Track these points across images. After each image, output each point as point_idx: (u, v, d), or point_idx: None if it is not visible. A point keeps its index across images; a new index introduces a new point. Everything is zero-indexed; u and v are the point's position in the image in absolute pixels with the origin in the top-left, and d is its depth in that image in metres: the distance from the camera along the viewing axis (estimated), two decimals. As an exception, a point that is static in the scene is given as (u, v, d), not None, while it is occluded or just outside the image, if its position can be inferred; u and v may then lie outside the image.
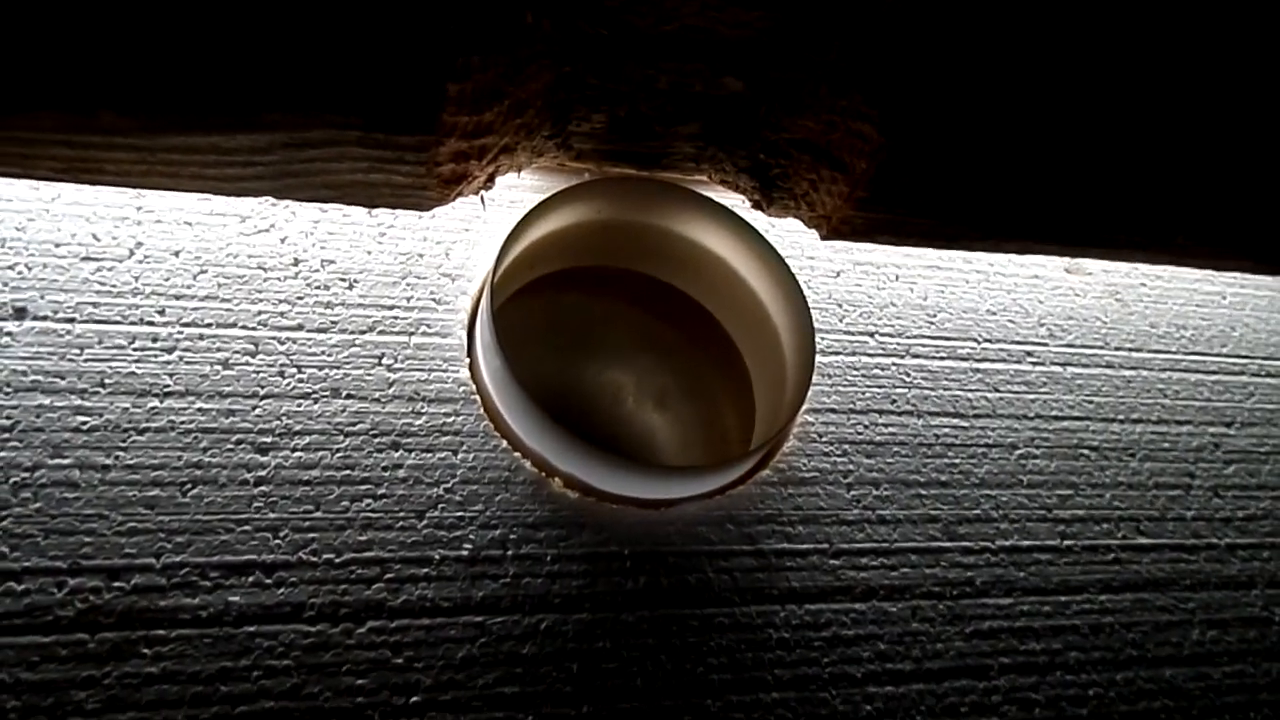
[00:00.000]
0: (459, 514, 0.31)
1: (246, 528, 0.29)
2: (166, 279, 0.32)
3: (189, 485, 0.29)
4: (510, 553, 0.31)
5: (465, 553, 0.31)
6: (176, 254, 0.32)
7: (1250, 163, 0.37)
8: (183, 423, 0.30)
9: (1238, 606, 0.38)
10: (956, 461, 0.38)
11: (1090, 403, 0.41)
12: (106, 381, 0.30)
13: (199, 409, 0.30)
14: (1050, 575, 0.36)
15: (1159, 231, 0.39)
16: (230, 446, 0.30)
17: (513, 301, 0.39)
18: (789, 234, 0.40)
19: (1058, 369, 0.42)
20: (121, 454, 0.29)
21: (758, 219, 0.37)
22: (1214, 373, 0.44)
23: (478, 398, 0.33)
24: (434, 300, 0.35)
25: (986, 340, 0.41)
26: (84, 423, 0.29)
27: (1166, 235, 0.40)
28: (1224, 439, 0.42)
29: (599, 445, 0.31)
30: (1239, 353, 0.45)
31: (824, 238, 0.36)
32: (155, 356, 0.30)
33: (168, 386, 0.30)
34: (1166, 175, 0.36)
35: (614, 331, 0.41)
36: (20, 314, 0.30)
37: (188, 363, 0.31)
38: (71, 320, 0.30)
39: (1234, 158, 0.36)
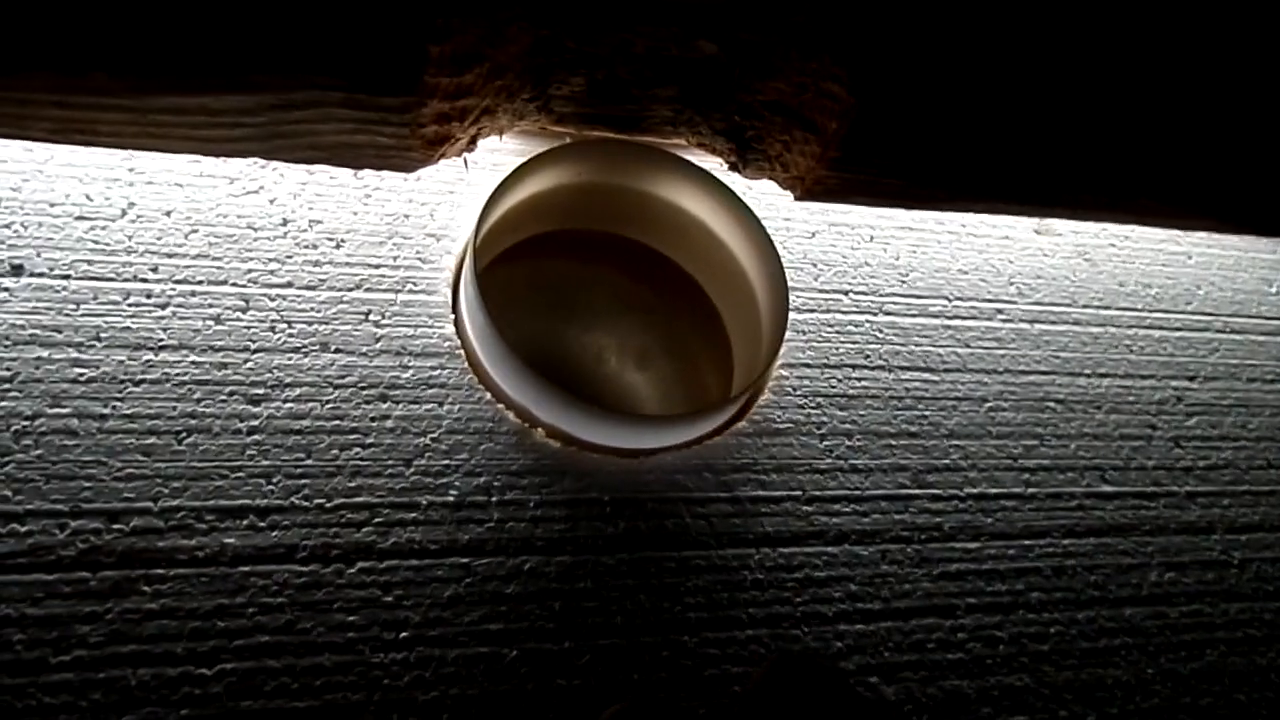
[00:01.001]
0: (445, 462, 0.32)
1: (240, 474, 0.30)
2: (159, 238, 0.33)
3: (184, 434, 0.30)
4: (495, 499, 0.32)
5: (451, 498, 0.32)
6: (168, 214, 0.33)
7: (1211, 125, 0.38)
8: (177, 375, 0.31)
9: (1196, 550, 0.39)
10: (926, 414, 0.39)
11: (1058, 358, 0.43)
12: (102, 335, 0.31)
13: (192, 362, 0.31)
14: (1015, 521, 0.38)
15: (1124, 191, 0.41)
16: (224, 398, 0.31)
17: (497, 264, 0.40)
18: (765, 196, 0.42)
19: (1026, 326, 0.43)
20: (118, 404, 0.30)
21: (735, 181, 0.39)
22: (1178, 329, 0.46)
23: (462, 352, 0.35)
24: (420, 259, 0.36)
25: (958, 298, 0.43)
26: (81, 374, 0.30)
27: (1131, 195, 0.41)
28: (1186, 392, 0.44)
29: (579, 396, 0.33)
30: (1203, 310, 0.47)
31: (798, 198, 0.37)
32: (149, 312, 0.32)
33: (161, 341, 0.31)
34: (1132, 136, 0.38)
35: (595, 293, 0.43)
36: (18, 271, 0.31)
37: (181, 318, 0.32)
38: (67, 277, 0.31)
39: (1196, 121, 0.37)
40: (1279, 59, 0.36)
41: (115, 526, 0.28)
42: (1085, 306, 0.45)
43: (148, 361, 0.31)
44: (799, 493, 0.36)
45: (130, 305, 0.31)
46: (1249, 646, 0.38)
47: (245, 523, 0.29)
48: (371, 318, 0.34)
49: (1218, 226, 0.46)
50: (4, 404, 0.29)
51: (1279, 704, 0.37)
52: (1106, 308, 0.45)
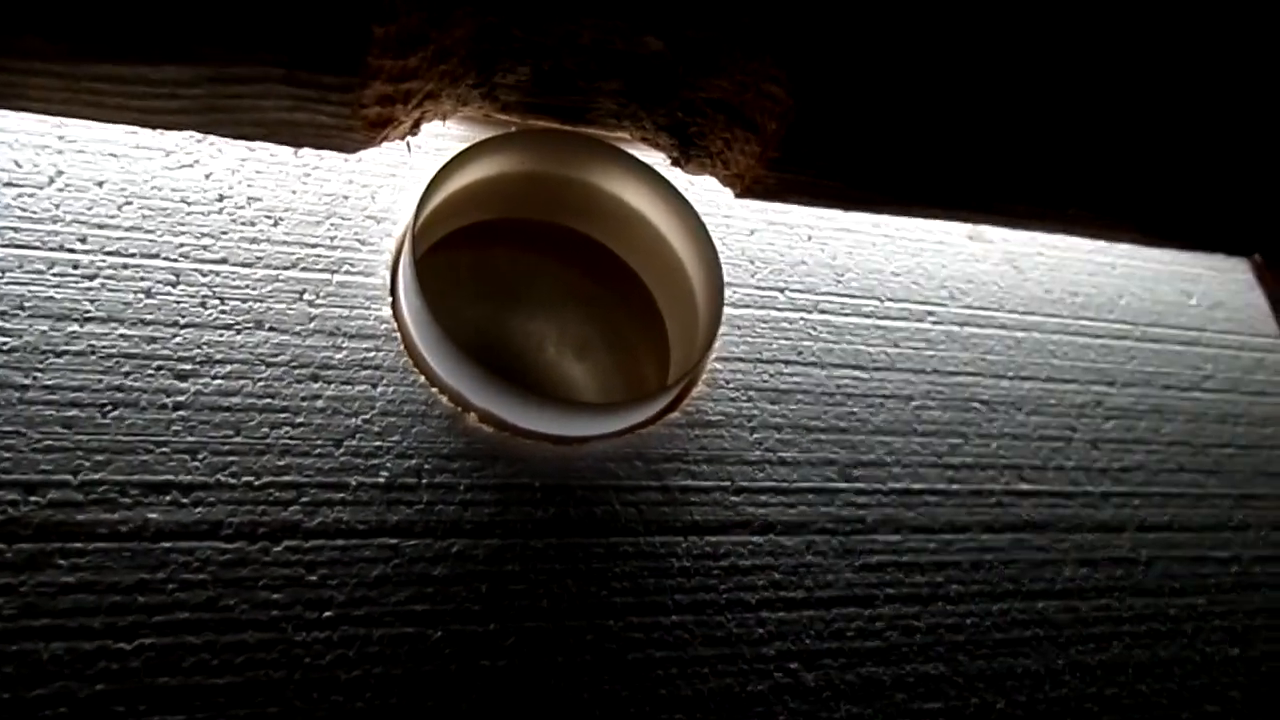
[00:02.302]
0: (376, 444, 0.32)
1: (165, 449, 0.30)
2: (89, 208, 0.32)
3: (108, 407, 0.30)
4: (425, 481, 0.32)
5: (381, 480, 0.32)
6: (100, 184, 0.33)
7: (1140, 141, 0.39)
8: (103, 347, 0.31)
9: (1108, 548, 0.41)
10: (855, 410, 0.40)
11: (984, 360, 0.44)
12: (25, 304, 0.30)
13: (120, 335, 0.31)
14: (937, 516, 0.39)
15: (1054, 200, 0.42)
16: (151, 372, 0.31)
17: (437, 250, 0.40)
18: (707, 192, 0.42)
19: (955, 328, 0.44)
20: (39, 375, 0.29)
21: (677, 176, 0.39)
22: (1100, 336, 0.47)
23: (398, 335, 0.35)
24: (358, 241, 0.36)
25: (890, 299, 0.44)
26: (3, 343, 0.29)
27: (1061, 204, 0.42)
28: (1105, 397, 0.46)
29: (514, 382, 0.33)
30: (1124, 319, 0.49)
31: (738, 196, 0.38)
32: (75, 283, 0.31)
33: (88, 312, 0.31)
34: (1063, 148, 0.39)
35: (536, 283, 0.43)
36: (-62, 236, 0.30)
37: (109, 290, 0.31)
38: (-9, 244, 0.31)
39: (1126, 136, 0.39)
40: (1205, 82, 0.38)
41: (32, 499, 0.28)
42: (1012, 311, 0.46)
43: (72, 333, 0.30)
44: (728, 483, 0.36)
45: (55, 275, 0.31)
46: (1152, 640, 0.40)
47: (169, 498, 0.29)
48: (306, 297, 0.34)
49: (1142, 239, 0.48)
50: (-81, 371, 0.28)
51: (1178, 695, 0.39)
52: (1033, 313, 0.47)
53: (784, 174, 0.37)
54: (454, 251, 0.41)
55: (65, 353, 0.30)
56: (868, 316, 0.43)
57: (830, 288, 0.43)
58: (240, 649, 0.28)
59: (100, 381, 0.30)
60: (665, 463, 0.36)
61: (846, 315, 0.42)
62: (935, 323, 0.44)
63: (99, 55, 0.28)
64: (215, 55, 0.29)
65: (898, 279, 0.44)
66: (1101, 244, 0.50)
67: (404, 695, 0.29)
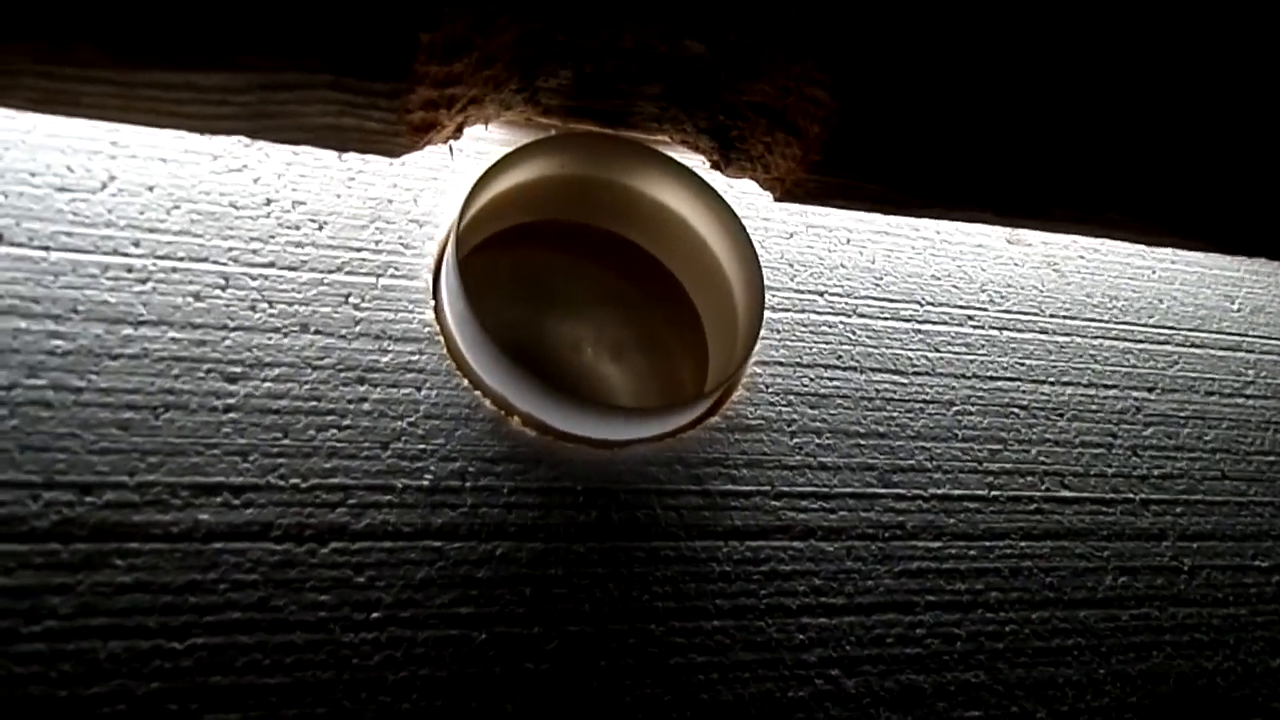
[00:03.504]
0: (421, 446, 0.33)
1: (216, 451, 0.30)
2: (140, 212, 0.33)
3: (161, 409, 0.30)
4: (469, 484, 0.33)
5: (426, 482, 0.32)
6: (150, 189, 0.33)
7: (1179, 144, 0.39)
8: (155, 350, 0.31)
9: (1149, 556, 0.41)
10: (895, 415, 0.40)
11: (1024, 365, 0.44)
12: (80, 308, 0.31)
13: (171, 338, 0.31)
14: (977, 522, 0.39)
15: (1093, 205, 0.42)
16: (201, 375, 0.31)
17: (478, 253, 0.40)
18: (745, 195, 0.42)
19: (995, 332, 0.44)
20: (94, 377, 0.30)
21: (716, 180, 0.39)
22: (1141, 341, 0.47)
23: (442, 339, 0.35)
24: (402, 245, 0.36)
25: (929, 303, 0.43)
26: (58, 346, 0.30)
27: (1100, 208, 0.42)
28: (1146, 403, 0.45)
29: (556, 386, 0.33)
30: (1165, 324, 0.48)
31: (778, 199, 0.38)
32: (129, 286, 0.32)
33: (140, 315, 0.31)
34: (1103, 152, 0.39)
35: (575, 285, 0.43)
36: (-4, 240, 0.31)
37: (160, 294, 0.32)
38: (46, 248, 0.31)
39: (1165, 139, 0.38)
40: (1245, 87, 0.37)
41: (88, 499, 0.28)
42: (1053, 316, 0.46)
43: (126, 336, 0.31)
44: (768, 488, 0.36)
45: (109, 279, 0.31)
46: (1195, 650, 0.39)
47: (220, 500, 0.30)
48: (352, 300, 0.34)
49: (1183, 244, 0.47)
50: (-21, 373, 0.29)
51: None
52: (1073, 318, 0.46)
53: (825, 177, 0.37)
54: (494, 253, 0.41)
55: (119, 355, 0.31)
56: (907, 320, 0.43)
57: (870, 292, 0.43)
58: (289, 649, 0.28)
59: (153, 384, 0.30)
60: (706, 467, 0.36)
61: (886, 319, 0.42)
62: (975, 327, 0.44)
63: (151, 63, 0.29)
64: (264, 63, 0.29)
65: (937, 283, 0.44)
66: (1142, 248, 0.50)
67: (449, 697, 0.29)
